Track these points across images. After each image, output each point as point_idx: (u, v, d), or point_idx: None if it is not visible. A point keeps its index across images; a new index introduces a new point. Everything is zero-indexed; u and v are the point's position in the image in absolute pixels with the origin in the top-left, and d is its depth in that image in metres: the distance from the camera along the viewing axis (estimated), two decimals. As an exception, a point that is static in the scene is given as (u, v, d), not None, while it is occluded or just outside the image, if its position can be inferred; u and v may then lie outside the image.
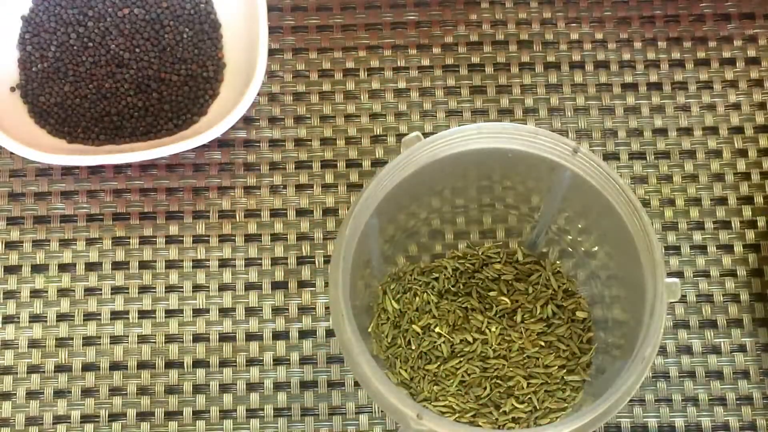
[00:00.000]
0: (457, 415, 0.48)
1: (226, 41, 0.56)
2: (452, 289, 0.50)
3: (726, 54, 0.57)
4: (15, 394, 0.51)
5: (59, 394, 0.51)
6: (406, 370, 0.49)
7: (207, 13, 0.56)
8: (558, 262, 0.51)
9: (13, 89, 0.55)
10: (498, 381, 0.48)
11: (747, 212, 0.54)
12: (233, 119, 0.51)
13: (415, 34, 0.57)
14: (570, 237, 0.50)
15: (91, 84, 0.55)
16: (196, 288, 0.52)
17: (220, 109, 0.54)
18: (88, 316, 0.52)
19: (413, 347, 0.49)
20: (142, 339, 0.52)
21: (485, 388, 0.48)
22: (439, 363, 0.49)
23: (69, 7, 0.56)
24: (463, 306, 0.50)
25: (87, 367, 0.51)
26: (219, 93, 0.55)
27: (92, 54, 0.55)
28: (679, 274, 0.52)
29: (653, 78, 0.56)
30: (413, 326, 0.49)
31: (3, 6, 0.55)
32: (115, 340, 0.52)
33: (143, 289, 0.52)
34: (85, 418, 0.50)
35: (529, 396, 0.48)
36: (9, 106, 0.54)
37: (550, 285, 0.50)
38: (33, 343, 0.52)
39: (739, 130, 0.55)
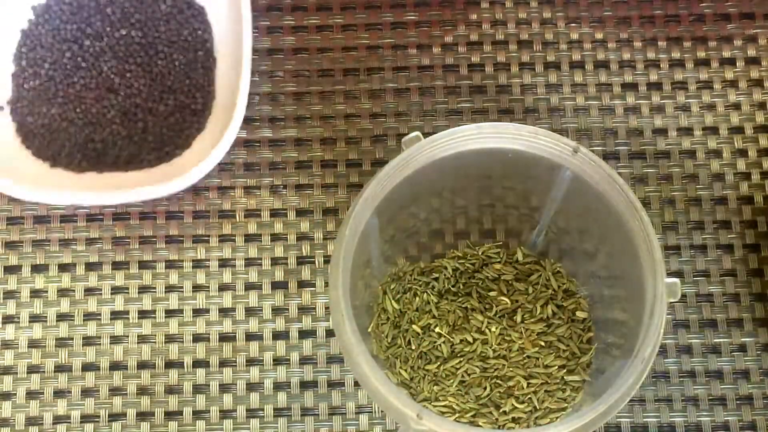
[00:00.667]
0: (457, 415, 0.48)
1: (220, 73, 0.55)
2: (452, 289, 0.50)
3: (726, 54, 0.57)
4: (15, 394, 0.51)
5: (59, 394, 0.51)
6: (406, 370, 0.49)
7: (203, 41, 0.55)
8: (558, 262, 0.51)
9: (1, 108, 0.54)
10: (498, 381, 0.48)
11: (747, 212, 0.54)
12: (205, 168, 0.50)
13: (415, 34, 0.57)
14: (570, 237, 0.50)
15: (79, 108, 0.53)
16: (196, 288, 0.52)
17: (204, 144, 0.52)
18: (88, 316, 0.52)
19: (413, 347, 0.49)
20: (142, 339, 0.52)
21: (485, 388, 0.48)
22: (439, 363, 0.49)
23: (69, 22, 0.55)
24: (463, 306, 0.50)
25: (87, 367, 0.51)
26: (205, 127, 0.53)
27: (84, 75, 0.54)
28: (679, 274, 0.52)
29: (653, 78, 0.56)
30: (413, 326, 0.49)
31: (3, 17, 0.55)
32: (115, 340, 0.52)
33: (143, 289, 0.52)
34: (85, 418, 0.50)
35: (529, 396, 0.48)
36: None
37: (550, 285, 0.50)
38: (33, 343, 0.52)
39: (739, 129, 0.55)
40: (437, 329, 0.49)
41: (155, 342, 0.52)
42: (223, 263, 0.53)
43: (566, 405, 0.48)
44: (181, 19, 0.55)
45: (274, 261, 0.53)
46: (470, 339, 0.49)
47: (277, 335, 0.52)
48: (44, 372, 0.51)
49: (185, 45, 0.54)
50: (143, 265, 0.53)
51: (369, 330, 0.49)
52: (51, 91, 0.54)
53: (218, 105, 0.54)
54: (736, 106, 0.56)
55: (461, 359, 0.49)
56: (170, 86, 0.54)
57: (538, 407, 0.48)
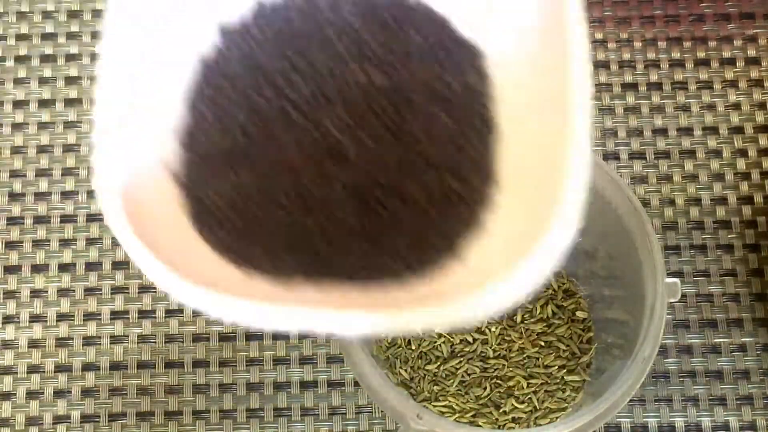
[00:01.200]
0: (457, 415, 0.48)
1: (506, 143, 0.35)
2: (452, 289, 0.50)
3: (726, 54, 0.57)
4: (15, 394, 0.51)
5: (59, 394, 0.51)
6: (406, 370, 0.49)
7: (478, 95, 0.36)
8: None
9: (176, 178, 0.35)
10: (498, 381, 0.48)
11: (747, 212, 0.54)
12: (495, 297, 0.30)
13: (415, 34, 0.57)
14: (570, 237, 0.50)
15: (289, 180, 0.34)
16: (196, 288, 0.52)
17: (485, 253, 0.34)
18: (88, 316, 0.52)
19: (413, 347, 0.49)
20: (142, 339, 0.52)
21: (485, 388, 0.48)
22: (439, 363, 0.49)
23: (273, 52, 0.36)
24: (463, 306, 0.50)
25: (87, 367, 0.51)
26: (484, 225, 0.34)
27: (295, 132, 0.35)
28: (679, 274, 0.52)
29: (653, 78, 0.56)
30: (413, 326, 0.49)
31: (173, 39, 0.35)
32: (115, 340, 0.52)
33: (143, 289, 0.52)
34: (85, 418, 0.50)
35: (529, 396, 0.48)
36: (160, 199, 0.34)
37: (550, 285, 0.50)
38: (33, 343, 0.52)
39: (739, 129, 0.55)
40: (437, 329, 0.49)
41: (155, 342, 0.52)
42: (223, 263, 0.53)
43: (566, 405, 0.48)
44: (445, 58, 0.36)
45: (274, 261, 0.53)
46: (470, 339, 0.49)
47: (277, 335, 0.52)
48: (44, 372, 0.51)
49: (451, 97, 0.36)
50: (143, 265, 0.53)
51: (369, 330, 0.49)
52: (244, 153, 0.35)
53: (506, 194, 0.35)
54: (736, 106, 0.56)
55: (461, 359, 0.49)
56: (429, 158, 0.35)
57: (538, 407, 0.48)
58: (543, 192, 0.33)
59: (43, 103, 0.56)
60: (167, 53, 0.35)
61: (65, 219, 0.54)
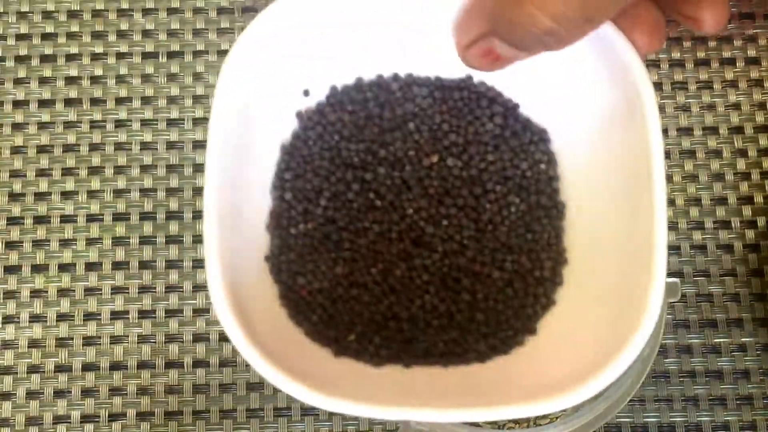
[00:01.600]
0: (457, 415, 0.48)
1: (573, 223, 0.39)
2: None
3: (726, 54, 0.57)
4: (15, 394, 0.51)
5: (59, 394, 0.51)
6: (406, 370, 0.49)
7: (547, 179, 0.39)
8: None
9: (268, 258, 0.37)
10: (498, 381, 0.48)
11: (747, 212, 0.54)
12: (602, 380, 0.33)
13: (415, 34, 0.57)
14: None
15: (375, 266, 0.37)
16: (196, 288, 0.52)
17: (550, 322, 0.37)
18: (88, 316, 0.52)
19: (413, 347, 0.49)
20: (142, 339, 0.52)
21: (485, 388, 0.48)
22: (439, 363, 0.49)
23: (353, 139, 0.37)
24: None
25: (87, 367, 0.51)
26: (555, 302, 0.38)
27: (379, 219, 0.37)
28: (679, 274, 0.52)
29: (653, 78, 0.56)
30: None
31: (251, 127, 0.36)
32: (115, 340, 0.52)
33: (143, 289, 0.52)
34: (85, 418, 0.50)
35: (529, 396, 0.48)
36: (257, 285, 0.36)
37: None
38: (33, 343, 0.52)
39: (739, 129, 0.55)
40: (437, 329, 0.49)
41: (155, 342, 0.52)
42: (223, 263, 0.53)
43: (566, 405, 0.48)
44: (516, 145, 0.39)
45: (274, 261, 0.53)
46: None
47: (277, 335, 0.52)
48: (44, 372, 0.51)
49: (523, 183, 0.38)
50: (143, 264, 0.53)
51: (369, 330, 0.49)
52: (333, 240, 0.37)
53: (573, 271, 0.38)
54: (736, 106, 0.56)
55: (461, 359, 0.49)
56: (505, 242, 0.38)
57: (538, 407, 0.48)
58: (614, 273, 0.35)
59: (43, 103, 0.56)
60: (254, 144, 0.36)
61: (65, 219, 0.54)
